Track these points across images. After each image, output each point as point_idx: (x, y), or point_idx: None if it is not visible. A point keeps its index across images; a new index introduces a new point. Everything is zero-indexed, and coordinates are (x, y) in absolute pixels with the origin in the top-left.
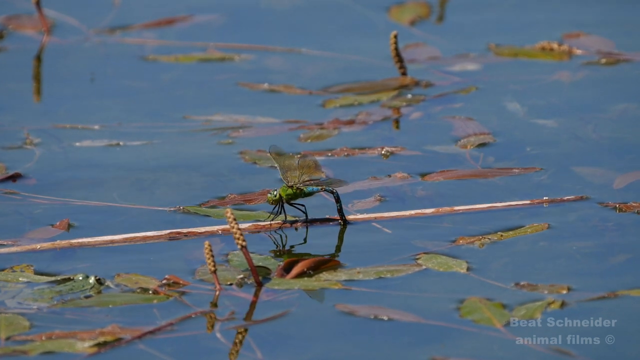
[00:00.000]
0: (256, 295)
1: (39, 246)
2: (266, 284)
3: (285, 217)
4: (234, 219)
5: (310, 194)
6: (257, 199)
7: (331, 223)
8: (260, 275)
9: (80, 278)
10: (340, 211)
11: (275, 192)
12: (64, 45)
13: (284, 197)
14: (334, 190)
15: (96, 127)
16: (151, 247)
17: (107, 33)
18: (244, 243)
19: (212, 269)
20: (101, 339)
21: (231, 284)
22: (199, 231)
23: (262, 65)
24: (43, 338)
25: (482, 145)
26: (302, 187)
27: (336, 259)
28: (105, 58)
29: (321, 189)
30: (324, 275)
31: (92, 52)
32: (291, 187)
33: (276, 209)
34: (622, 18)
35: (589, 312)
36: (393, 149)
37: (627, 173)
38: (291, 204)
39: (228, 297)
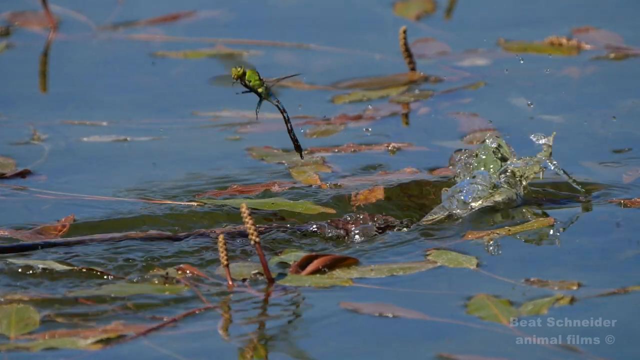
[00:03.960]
0: (267, 291)
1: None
2: (278, 280)
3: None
4: (249, 214)
5: (267, 90)
6: (259, 190)
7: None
8: (275, 273)
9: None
10: (291, 132)
11: (239, 69)
12: (70, 41)
13: (250, 79)
14: (280, 106)
15: (104, 123)
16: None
17: (113, 29)
18: (257, 239)
19: (225, 262)
20: (104, 336)
21: (245, 280)
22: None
23: (270, 61)
24: (46, 337)
25: None
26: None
27: (352, 256)
28: (113, 54)
29: (279, 78)
30: (337, 273)
31: (99, 48)
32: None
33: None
34: (632, 12)
35: (598, 307)
36: (400, 144)
37: (635, 168)
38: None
39: (239, 292)
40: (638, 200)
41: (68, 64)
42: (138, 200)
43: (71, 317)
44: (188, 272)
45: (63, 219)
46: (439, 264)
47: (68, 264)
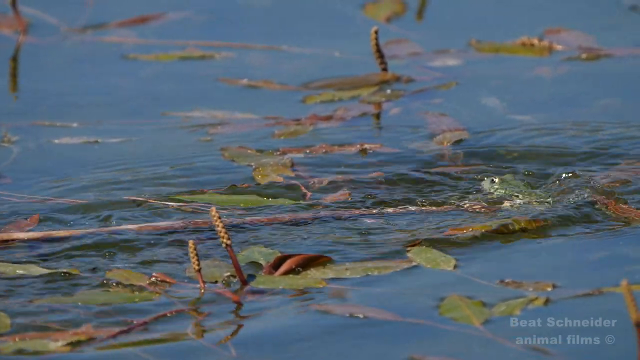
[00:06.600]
0: (239, 293)
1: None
2: (251, 282)
3: None
4: (219, 218)
5: None
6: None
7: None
8: (245, 274)
9: None
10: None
11: None
12: (41, 44)
13: None
14: None
15: (75, 124)
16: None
17: (84, 32)
18: (228, 242)
19: (197, 267)
20: (75, 339)
21: (216, 282)
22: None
23: (242, 63)
24: (16, 339)
25: (458, 141)
26: None
27: (327, 255)
28: (84, 56)
29: None
30: (311, 272)
31: (70, 50)
32: None
33: None
34: (603, 12)
35: (573, 309)
36: (371, 145)
37: (611, 170)
38: None
39: (212, 295)
40: (620, 206)
41: (38, 66)
42: (104, 201)
43: (42, 320)
44: (159, 278)
45: (29, 220)
46: (414, 263)
47: (46, 268)
